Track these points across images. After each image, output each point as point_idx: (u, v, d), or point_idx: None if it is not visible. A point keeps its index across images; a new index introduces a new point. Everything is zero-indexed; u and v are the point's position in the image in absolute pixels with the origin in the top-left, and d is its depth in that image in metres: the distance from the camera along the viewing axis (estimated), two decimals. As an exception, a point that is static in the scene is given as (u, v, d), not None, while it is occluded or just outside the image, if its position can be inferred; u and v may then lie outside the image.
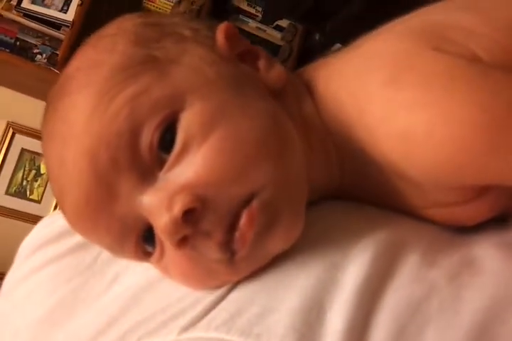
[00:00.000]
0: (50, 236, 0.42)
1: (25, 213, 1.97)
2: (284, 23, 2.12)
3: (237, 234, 0.28)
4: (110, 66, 0.30)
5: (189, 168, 0.28)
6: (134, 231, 0.30)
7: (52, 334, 0.36)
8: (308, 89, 0.35)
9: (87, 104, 0.29)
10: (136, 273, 0.36)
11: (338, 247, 0.31)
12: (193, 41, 0.33)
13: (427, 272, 0.29)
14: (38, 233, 0.43)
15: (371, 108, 0.31)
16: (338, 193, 0.36)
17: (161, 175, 0.29)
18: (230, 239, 0.28)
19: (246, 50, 0.34)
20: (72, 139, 0.29)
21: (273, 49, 2.13)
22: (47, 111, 0.32)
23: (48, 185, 2.01)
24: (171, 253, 0.30)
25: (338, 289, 0.29)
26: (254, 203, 0.28)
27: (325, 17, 1.44)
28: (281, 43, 2.15)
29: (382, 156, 0.31)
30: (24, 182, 2.01)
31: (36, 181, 2.02)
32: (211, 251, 0.29)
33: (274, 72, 0.34)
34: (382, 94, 0.31)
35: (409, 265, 0.30)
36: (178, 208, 0.27)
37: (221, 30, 0.34)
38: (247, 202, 0.28)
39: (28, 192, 2.01)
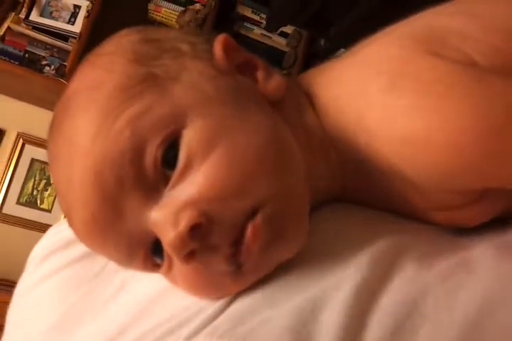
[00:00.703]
0: (59, 244, 0.42)
1: (36, 222, 1.99)
2: (288, 29, 2.13)
3: (242, 248, 0.28)
4: (110, 86, 0.30)
5: (192, 184, 0.28)
6: (142, 245, 0.31)
7: None
8: (308, 97, 0.35)
9: (90, 126, 0.29)
10: (143, 282, 0.36)
11: (337, 255, 0.32)
12: (192, 56, 0.33)
13: (424, 275, 0.30)
14: (47, 241, 0.44)
15: (371, 114, 0.31)
16: (339, 196, 0.36)
17: (166, 191, 0.29)
18: (236, 252, 0.29)
19: (245, 61, 0.34)
20: (77, 160, 0.30)
21: (278, 55, 2.14)
22: (51, 132, 0.33)
23: (58, 194, 2.03)
24: (179, 266, 0.30)
25: (335, 292, 0.29)
26: (258, 217, 0.28)
27: (329, 23, 1.45)
28: (286, 49, 2.16)
29: (383, 160, 0.32)
30: (35, 192, 2.03)
31: (46, 190, 2.04)
32: (218, 264, 0.29)
33: (273, 83, 0.34)
34: (381, 101, 0.31)
35: (407, 269, 0.30)
36: (183, 224, 0.27)
37: (218, 42, 0.34)
38: (251, 215, 0.28)
39: (38, 202, 2.03)
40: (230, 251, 0.29)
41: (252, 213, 0.28)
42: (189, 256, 0.28)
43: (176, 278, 0.31)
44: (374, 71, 0.32)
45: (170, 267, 0.31)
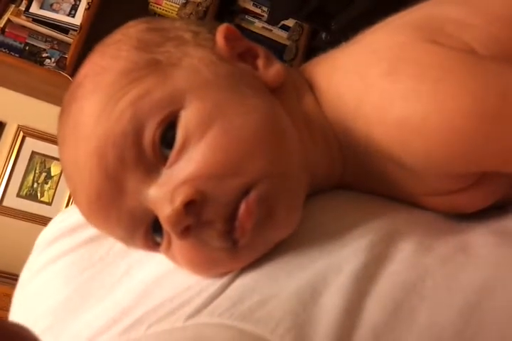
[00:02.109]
0: (64, 229, 0.43)
1: (37, 215, 1.99)
2: (290, 22, 2.12)
3: (236, 224, 0.29)
4: (115, 71, 0.32)
5: (189, 163, 0.30)
6: (142, 223, 0.32)
7: (67, 323, 0.38)
8: (310, 84, 0.36)
9: (94, 108, 0.31)
10: (148, 267, 0.37)
11: (335, 236, 0.32)
12: (194, 44, 0.34)
13: (423, 258, 0.30)
14: (53, 227, 0.45)
15: (369, 99, 0.32)
16: (340, 182, 0.37)
17: (165, 170, 0.30)
18: (230, 228, 0.30)
19: (246, 50, 0.35)
20: (82, 141, 0.31)
21: (279, 48, 2.14)
22: (60, 117, 0.34)
23: (58, 187, 2.04)
24: (177, 242, 0.31)
25: (334, 275, 0.30)
26: (252, 194, 0.29)
27: (330, 16, 1.45)
28: (287, 43, 2.16)
29: (380, 144, 0.32)
30: (35, 185, 2.03)
31: (47, 183, 2.04)
32: (213, 240, 0.30)
33: (273, 70, 0.35)
34: (379, 85, 0.32)
35: (405, 251, 0.30)
36: (179, 200, 0.29)
37: (220, 31, 0.35)
38: (245, 193, 0.29)
39: (38, 195, 2.03)
40: (225, 228, 0.30)
41: (246, 191, 0.29)
42: (185, 232, 0.29)
43: (176, 255, 0.32)
44: (375, 57, 0.33)
45: (169, 244, 0.32)
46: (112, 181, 0.30)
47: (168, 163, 0.30)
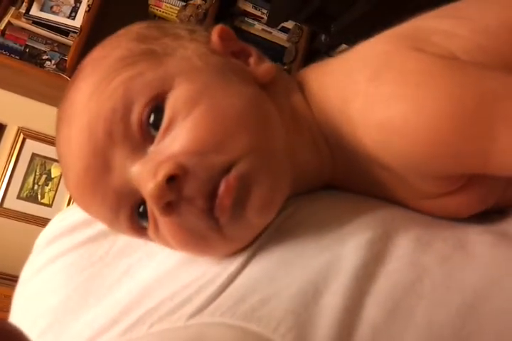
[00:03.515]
0: (64, 229, 0.44)
1: (37, 217, 1.99)
2: (289, 24, 2.13)
3: (216, 201, 0.30)
4: (113, 57, 0.33)
5: (174, 140, 0.31)
6: (127, 202, 0.33)
7: (67, 323, 0.38)
8: (301, 86, 0.38)
9: (88, 87, 0.33)
10: (148, 267, 0.38)
11: (335, 235, 0.33)
12: (189, 39, 0.36)
13: (421, 256, 0.30)
14: (53, 226, 0.46)
15: (354, 103, 0.33)
16: (333, 183, 0.38)
17: (151, 149, 0.31)
18: (212, 206, 0.30)
19: (240, 49, 0.37)
20: (74, 117, 0.33)
21: (279, 51, 2.14)
22: (61, 103, 0.36)
23: (59, 189, 2.04)
24: (164, 223, 0.32)
25: (334, 274, 0.30)
26: (233, 172, 0.30)
27: (330, 18, 1.45)
28: (287, 45, 2.16)
29: (365, 147, 0.33)
30: (35, 187, 2.03)
31: (47, 185, 2.04)
32: (196, 218, 0.31)
33: (264, 67, 0.36)
34: (364, 90, 0.33)
35: (404, 248, 0.31)
36: (161, 174, 0.29)
37: (216, 30, 0.37)
38: (226, 171, 0.30)
39: (39, 196, 2.03)
40: (206, 205, 0.30)
41: (228, 169, 0.30)
42: (168, 208, 0.30)
43: (166, 237, 0.33)
44: (362, 64, 0.35)
45: (156, 227, 0.33)
46: (99, 157, 0.31)
47: (155, 142, 0.31)
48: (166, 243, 0.34)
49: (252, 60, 0.37)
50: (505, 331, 0.26)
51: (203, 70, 0.33)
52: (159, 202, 0.30)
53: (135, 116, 0.31)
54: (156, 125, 0.31)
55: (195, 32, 0.37)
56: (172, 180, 0.29)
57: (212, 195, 0.30)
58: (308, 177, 0.36)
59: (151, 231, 0.34)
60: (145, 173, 0.30)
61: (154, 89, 0.31)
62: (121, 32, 0.37)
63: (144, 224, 0.33)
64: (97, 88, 0.32)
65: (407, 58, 0.33)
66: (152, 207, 0.31)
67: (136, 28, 0.37)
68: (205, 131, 0.30)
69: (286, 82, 0.38)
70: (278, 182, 0.33)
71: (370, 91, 0.32)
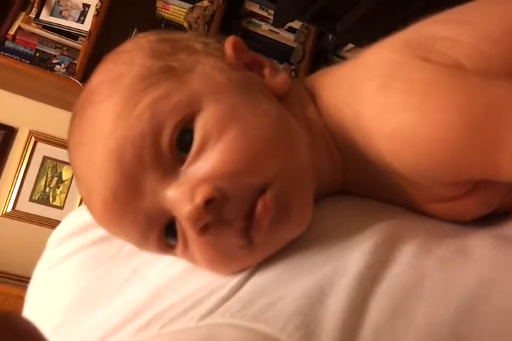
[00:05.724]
0: (77, 228, 0.44)
1: (49, 219, 2.02)
2: (296, 24, 2.13)
3: (253, 222, 0.31)
4: (132, 76, 0.33)
5: (207, 162, 0.31)
6: (157, 224, 0.33)
7: (78, 321, 0.38)
8: (311, 95, 0.38)
9: (112, 110, 0.32)
10: (156, 268, 0.38)
11: (340, 240, 0.33)
12: (205, 53, 0.36)
13: (423, 260, 0.31)
14: (66, 225, 0.46)
15: (365, 112, 0.34)
16: (343, 189, 0.38)
17: (182, 171, 0.31)
18: (247, 226, 0.31)
19: (252, 60, 0.38)
20: (100, 141, 0.32)
21: (286, 51, 2.14)
22: (73, 122, 0.35)
23: (70, 191, 2.06)
24: (195, 242, 0.32)
25: (339, 277, 0.31)
26: (268, 193, 0.31)
27: (336, 18, 1.45)
28: (294, 45, 2.16)
29: (377, 156, 0.34)
30: (47, 189, 2.06)
31: (58, 188, 2.07)
32: (231, 237, 0.31)
33: (279, 79, 0.37)
34: (373, 100, 0.34)
35: (407, 254, 0.31)
36: (200, 198, 0.30)
37: (229, 42, 0.37)
38: (261, 192, 0.31)
39: (50, 199, 2.06)
40: (243, 225, 0.31)
41: (263, 190, 0.31)
42: (204, 229, 0.30)
43: (194, 255, 0.33)
44: (369, 74, 0.35)
45: (185, 246, 0.33)
46: (129, 181, 0.31)
47: (185, 164, 0.31)
48: (192, 260, 0.34)
49: (266, 72, 0.37)
50: (503, 330, 0.27)
51: (227, 88, 0.33)
52: (197, 224, 0.30)
53: (166, 140, 0.31)
54: (186, 146, 0.31)
55: (209, 45, 0.37)
56: (209, 203, 0.30)
57: (247, 215, 0.31)
58: (324, 185, 0.37)
59: (179, 250, 0.34)
60: (180, 196, 0.30)
61: (182, 110, 0.31)
62: (131, 46, 0.36)
63: (172, 242, 0.34)
64: (121, 112, 0.31)
65: (413, 68, 0.34)
66: (187, 228, 0.31)
67: (146, 41, 0.36)
68: (239, 153, 0.30)
69: (299, 92, 0.38)
70: (308, 197, 0.33)
71: (379, 101, 0.33)
